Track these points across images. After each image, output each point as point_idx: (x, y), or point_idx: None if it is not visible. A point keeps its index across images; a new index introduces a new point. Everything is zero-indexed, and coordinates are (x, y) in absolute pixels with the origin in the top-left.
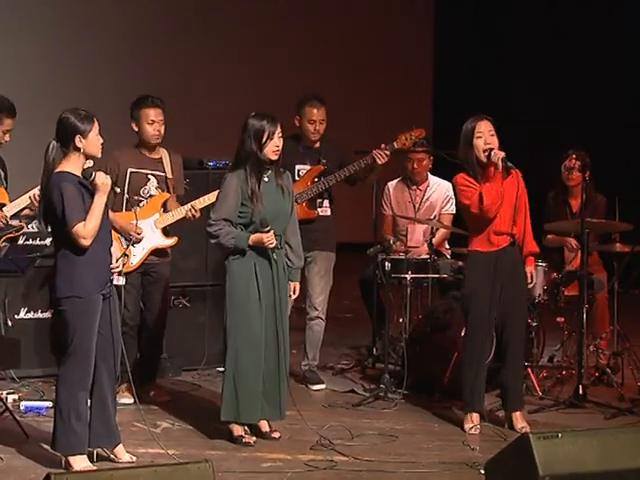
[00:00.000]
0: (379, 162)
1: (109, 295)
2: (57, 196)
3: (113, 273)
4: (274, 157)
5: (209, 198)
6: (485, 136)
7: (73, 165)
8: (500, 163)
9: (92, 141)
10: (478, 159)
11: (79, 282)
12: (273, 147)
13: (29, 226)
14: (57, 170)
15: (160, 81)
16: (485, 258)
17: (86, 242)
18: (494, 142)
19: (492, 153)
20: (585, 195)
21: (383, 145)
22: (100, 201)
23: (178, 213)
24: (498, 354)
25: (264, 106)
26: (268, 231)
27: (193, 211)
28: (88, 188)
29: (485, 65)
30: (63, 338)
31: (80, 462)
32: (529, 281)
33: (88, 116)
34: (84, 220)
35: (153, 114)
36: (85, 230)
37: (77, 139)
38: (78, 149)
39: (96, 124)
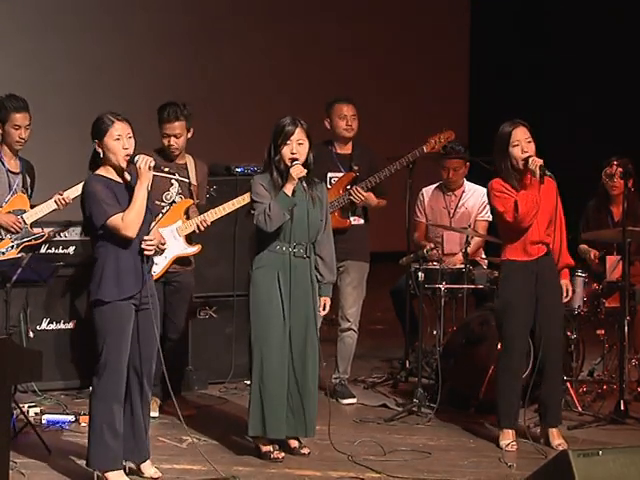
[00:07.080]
0: (355, 201)
1: (143, 307)
2: (85, 197)
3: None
4: (288, 163)
5: (224, 209)
6: (522, 144)
7: (105, 170)
8: (538, 171)
9: (108, 146)
10: (514, 167)
11: (103, 286)
12: (288, 153)
13: (62, 234)
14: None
15: (188, 82)
16: (520, 268)
17: (128, 233)
18: (531, 149)
19: (530, 160)
20: (627, 203)
21: (359, 186)
22: (140, 191)
23: (194, 223)
24: (536, 368)
25: (295, 111)
26: (293, 165)
27: (205, 224)
28: (122, 189)
29: (522, 69)
30: (95, 347)
31: (117, 478)
32: (564, 294)
33: (105, 121)
34: (121, 212)
35: (169, 128)
36: (124, 222)
37: (96, 143)
38: (98, 154)
39: (115, 128)
